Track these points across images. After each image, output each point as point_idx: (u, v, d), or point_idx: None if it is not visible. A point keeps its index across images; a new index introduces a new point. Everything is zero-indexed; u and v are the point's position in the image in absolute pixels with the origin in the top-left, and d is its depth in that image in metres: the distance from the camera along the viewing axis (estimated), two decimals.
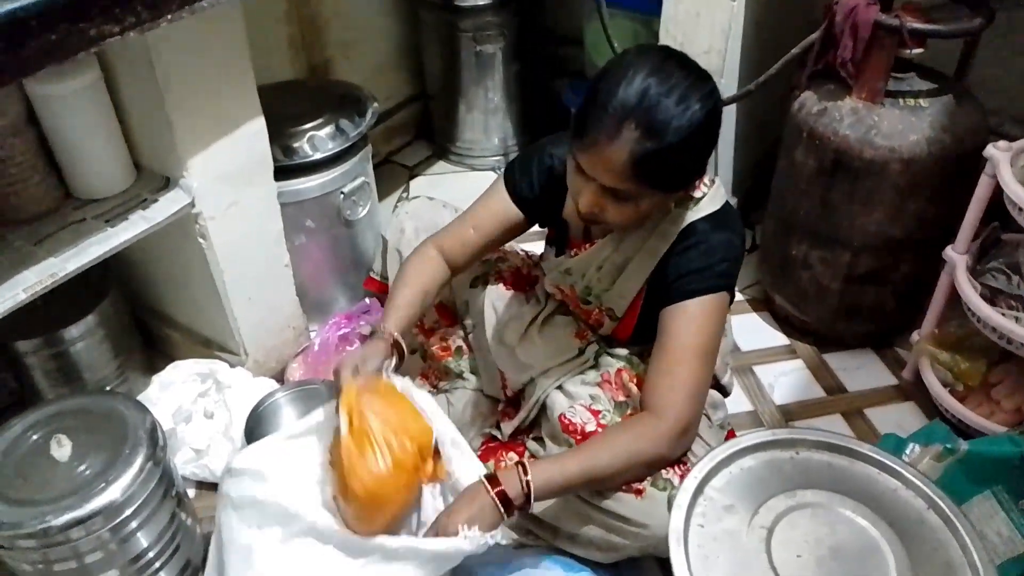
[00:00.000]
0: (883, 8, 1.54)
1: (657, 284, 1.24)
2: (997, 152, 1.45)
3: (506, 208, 1.35)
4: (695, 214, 1.20)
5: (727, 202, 1.25)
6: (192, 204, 1.38)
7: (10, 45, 0.91)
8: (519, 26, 2.29)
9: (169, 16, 1.08)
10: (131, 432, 1.24)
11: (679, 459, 1.19)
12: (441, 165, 2.51)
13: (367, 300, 1.78)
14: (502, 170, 1.40)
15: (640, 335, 1.34)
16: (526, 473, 1.10)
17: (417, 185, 2.43)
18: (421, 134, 2.60)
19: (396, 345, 1.24)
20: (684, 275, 1.19)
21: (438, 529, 1.08)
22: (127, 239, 1.30)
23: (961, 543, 1.00)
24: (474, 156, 2.45)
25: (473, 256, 1.39)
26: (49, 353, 1.51)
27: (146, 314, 1.74)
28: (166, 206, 1.36)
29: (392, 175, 2.45)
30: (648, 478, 1.18)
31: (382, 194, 2.32)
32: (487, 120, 2.40)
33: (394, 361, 1.22)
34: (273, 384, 1.61)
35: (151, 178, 1.41)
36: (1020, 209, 1.39)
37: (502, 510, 1.08)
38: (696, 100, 1.07)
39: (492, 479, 1.10)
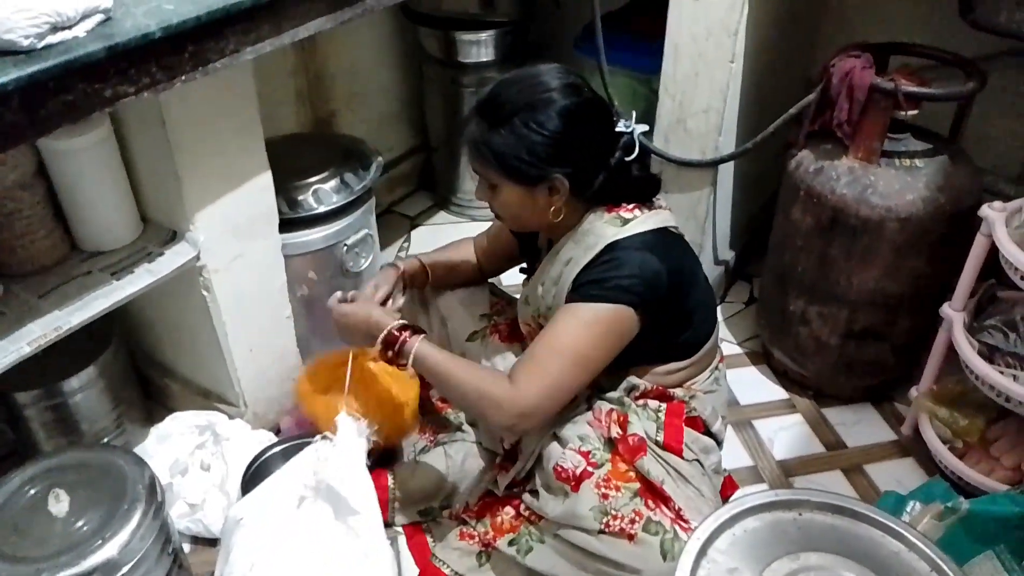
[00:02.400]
0: (878, 71, 1.58)
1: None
2: (992, 212, 1.47)
3: (505, 230, 1.51)
4: (620, 233, 1.23)
5: (666, 230, 1.27)
6: (197, 257, 1.40)
7: (28, 106, 0.93)
8: None
9: (183, 77, 1.10)
10: (130, 487, 1.23)
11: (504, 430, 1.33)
12: (442, 215, 2.53)
13: None
14: None
15: None
16: (413, 335, 1.26)
17: (419, 235, 2.45)
18: (423, 185, 2.64)
19: (404, 276, 1.48)
20: (587, 282, 1.22)
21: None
22: (132, 292, 1.31)
23: None
24: (475, 207, 2.47)
25: (488, 258, 1.59)
26: (48, 404, 1.50)
27: (146, 364, 1.73)
28: (172, 259, 1.37)
29: (394, 225, 2.47)
30: (639, 522, 1.19)
31: (384, 243, 2.34)
32: None
33: (401, 295, 1.46)
34: (272, 437, 1.60)
35: (158, 231, 1.42)
36: (1015, 269, 1.41)
37: (386, 337, 1.26)
38: (545, 94, 1.17)
39: (403, 328, 1.27)
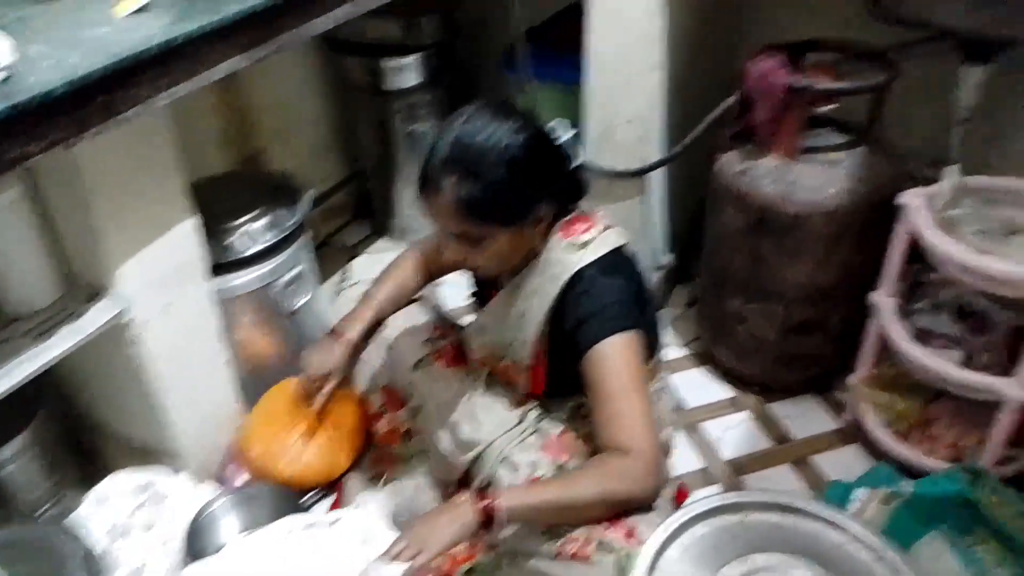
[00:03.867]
0: (794, 69, 1.62)
1: (558, 335, 1.28)
2: (911, 200, 1.52)
3: None
4: (582, 260, 1.25)
5: (620, 248, 1.29)
6: (123, 312, 1.36)
7: None
8: (449, 103, 2.34)
9: (94, 130, 1.07)
10: (65, 563, 1.19)
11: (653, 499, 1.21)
12: (382, 242, 2.52)
13: None
14: None
15: (555, 387, 1.35)
16: (498, 497, 1.15)
17: (359, 264, 2.43)
18: (360, 213, 2.62)
19: (351, 345, 1.45)
20: (583, 322, 1.22)
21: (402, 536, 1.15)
22: (56, 355, 1.26)
23: None
24: (414, 231, 2.46)
25: (437, 265, 1.54)
26: None
27: (81, 426, 1.68)
28: (96, 316, 1.33)
29: (333, 256, 2.45)
30: (592, 544, 1.18)
31: (324, 275, 2.31)
32: None
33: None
34: (217, 489, 1.56)
35: (81, 288, 1.38)
36: (935, 254, 1.45)
37: (475, 519, 1.13)
38: (508, 135, 1.17)
39: (476, 494, 1.16)
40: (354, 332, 1.47)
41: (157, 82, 1.14)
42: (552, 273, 1.26)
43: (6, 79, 0.99)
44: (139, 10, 1.18)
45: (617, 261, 1.27)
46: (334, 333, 1.49)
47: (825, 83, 1.58)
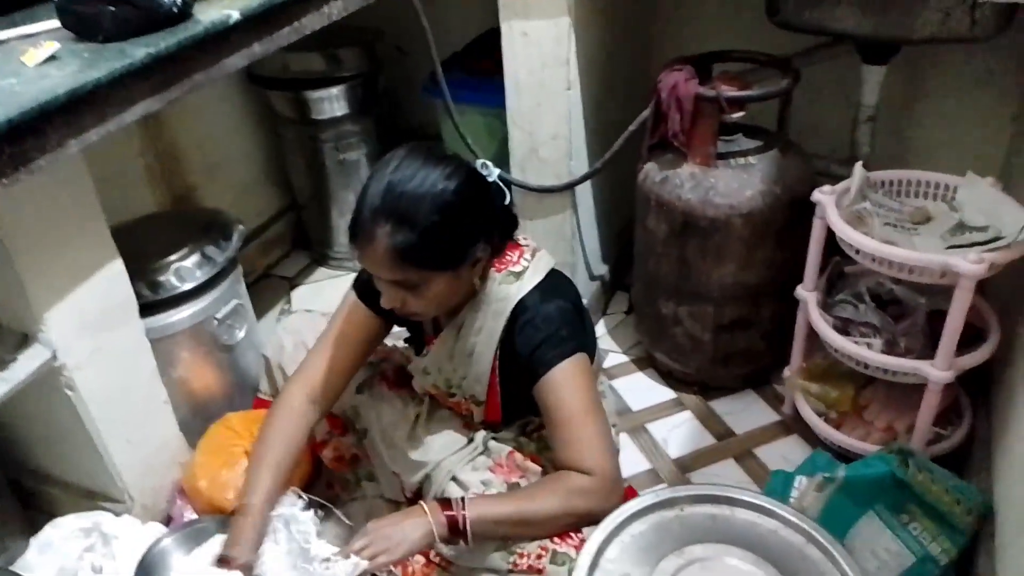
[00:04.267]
0: (703, 80, 1.69)
1: (509, 362, 1.30)
2: (823, 196, 1.59)
3: (364, 316, 1.39)
4: (521, 289, 1.27)
5: (552, 270, 1.32)
6: (54, 357, 1.34)
7: None
8: (378, 130, 2.37)
9: (4, 180, 1.07)
10: None
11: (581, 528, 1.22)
12: (321, 271, 2.52)
13: None
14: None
15: (510, 415, 1.38)
16: (463, 507, 1.18)
17: (300, 295, 2.43)
18: (298, 244, 2.62)
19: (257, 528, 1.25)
20: (534, 350, 1.24)
21: (365, 534, 1.17)
22: None
23: (841, 571, 1.06)
24: (352, 259, 2.47)
25: (342, 382, 1.41)
26: None
27: (20, 473, 1.65)
28: (26, 364, 1.31)
29: (273, 288, 2.45)
30: (546, 556, 1.21)
31: (265, 308, 2.31)
32: None
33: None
34: (163, 528, 1.55)
35: (8, 336, 1.36)
36: (850, 246, 1.52)
37: (436, 529, 1.16)
38: (440, 181, 1.17)
39: (439, 503, 1.19)
40: (255, 515, 1.27)
41: (67, 128, 1.13)
42: (495, 309, 1.28)
43: None
44: (48, 59, 1.18)
45: (554, 284, 1.30)
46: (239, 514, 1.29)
47: (732, 91, 1.64)
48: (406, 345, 1.61)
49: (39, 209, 1.28)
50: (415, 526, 1.17)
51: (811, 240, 1.64)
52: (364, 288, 1.37)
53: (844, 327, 1.65)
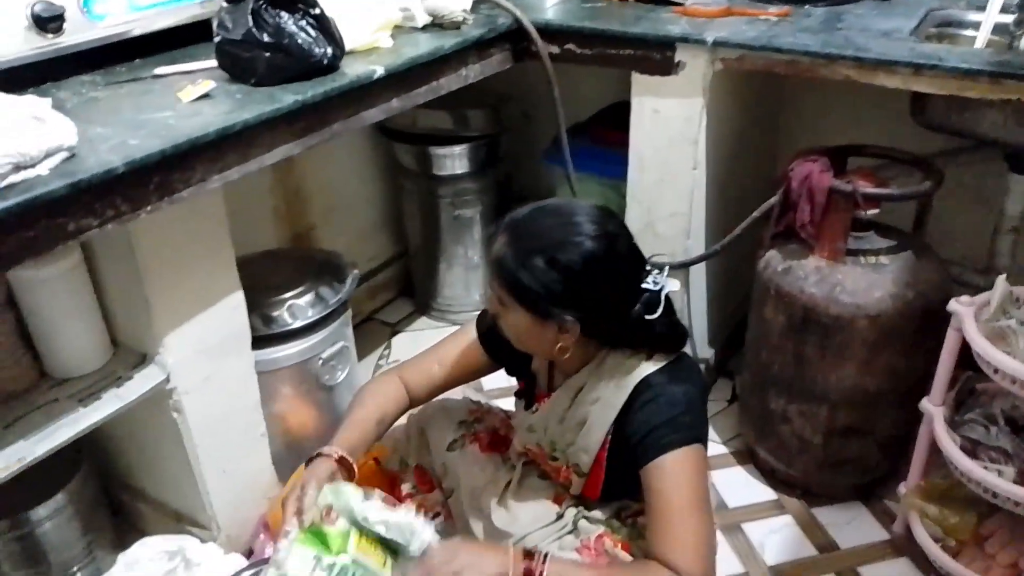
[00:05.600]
0: (837, 173, 1.63)
1: (622, 440, 1.24)
2: (960, 307, 1.48)
3: (475, 350, 1.38)
4: (649, 367, 1.21)
5: (682, 353, 1.26)
6: (167, 380, 1.39)
7: None
8: (495, 190, 2.40)
9: (148, 208, 1.13)
10: None
11: None
12: (423, 321, 2.54)
13: None
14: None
15: (609, 493, 1.32)
16: (544, 562, 1.13)
17: (400, 341, 2.45)
18: (403, 291, 2.66)
19: (342, 462, 1.24)
20: (653, 430, 1.18)
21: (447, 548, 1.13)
22: (99, 419, 1.29)
23: None
24: (455, 311, 2.49)
25: (434, 390, 1.43)
26: (14, 536, 1.46)
27: (117, 487, 1.70)
28: (140, 383, 1.36)
29: (375, 332, 2.48)
30: None
31: (365, 351, 2.34)
32: (467, 276, 2.46)
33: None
34: (244, 561, 1.55)
35: (127, 355, 1.42)
36: (988, 363, 1.41)
37: (512, 572, 1.11)
38: (579, 236, 1.13)
39: (524, 551, 1.14)
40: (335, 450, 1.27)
41: (212, 165, 1.20)
42: (617, 381, 1.22)
43: (69, 158, 1.05)
44: (202, 97, 1.25)
45: (682, 367, 1.24)
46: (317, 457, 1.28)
47: (869, 188, 1.57)
48: (502, 412, 1.58)
49: (175, 237, 1.34)
50: (493, 562, 1.13)
51: (943, 351, 1.53)
52: (486, 330, 1.37)
53: (972, 449, 1.53)
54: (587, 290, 1.16)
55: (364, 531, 1.15)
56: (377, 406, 1.35)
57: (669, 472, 1.16)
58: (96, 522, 1.58)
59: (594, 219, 1.16)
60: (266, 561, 1.52)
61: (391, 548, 1.16)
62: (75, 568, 1.54)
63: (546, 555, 1.15)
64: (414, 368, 1.42)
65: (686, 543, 1.13)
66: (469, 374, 1.43)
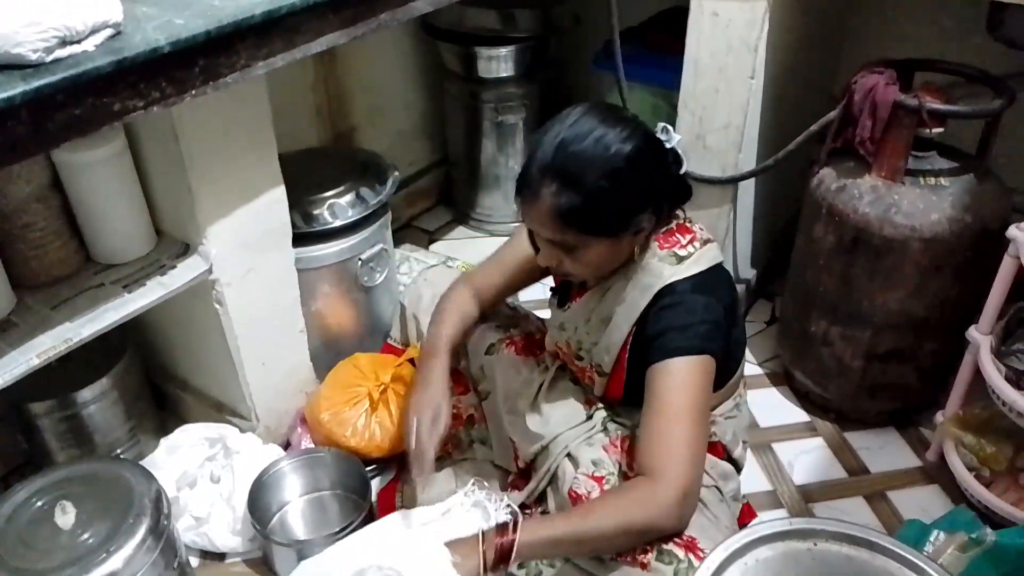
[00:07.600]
0: (903, 88, 1.55)
1: (639, 341, 1.24)
2: (1019, 233, 1.43)
3: (527, 251, 1.37)
4: (677, 273, 1.20)
5: (718, 265, 1.25)
6: (210, 271, 1.40)
7: (36, 119, 0.93)
8: (540, 97, 2.33)
9: (193, 92, 1.10)
10: (136, 500, 1.23)
11: (678, 532, 1.15)
12: (461, 230, 2.53)
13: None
14: None
15: (631, 395, 1.32)
16: (515, 530, 1.10)
17: (437, 249, 2.44)
18: (443, 200, 2.64)
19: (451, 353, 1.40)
20: (664, 332, 1.18)
21: None
22: (143, 305, 1.31)
23: None
24: (493, 222, 2.46)
25: (499, 296, 1.52)
26: (62, 415, 1.50)
27: (160, 376, 1.74)
28: (184, 272, 1.37)
29: (413, 239, 2.47)
30: (652, 551, 1.14)
31: (403, 257, 2.34)
32: (507, 187, 2.42)
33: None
34: (281, 452, 1.60)
35: (171, 244, 1.43)
36: None
37: (483, 560, 1.09)
38: (614, 143, 1.12)
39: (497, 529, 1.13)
40: (441, 357, 1.41)
41: (257, 51, 1.17)
42: (644, 283, 1.22)
43: (115, 35, 1.02)
44: None
45: (712, 280, 1.22)
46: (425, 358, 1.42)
47: (936, 104, 1.50)
48: (539, 319, 1.58)
49: (219, 125, 1.32)
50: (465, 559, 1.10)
51: (997, 278, 1.48)
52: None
53: (1017, 380, 1.50)
54: (645, 182, 1.17)
55: None
56: (459, 313, 1.46)
57: (669, 375, 1.16)
58: (139, 407, 1.63)
59: (607, 122, 1.15)
60: (305, 453, 1.57)
61: None
62: (119, 450, 1.60)
63: (516, 523, 1.12)
64: (481, 276, 1.51)
65: (672, 450, 1.12)
66: (527, 276, 1.48)
